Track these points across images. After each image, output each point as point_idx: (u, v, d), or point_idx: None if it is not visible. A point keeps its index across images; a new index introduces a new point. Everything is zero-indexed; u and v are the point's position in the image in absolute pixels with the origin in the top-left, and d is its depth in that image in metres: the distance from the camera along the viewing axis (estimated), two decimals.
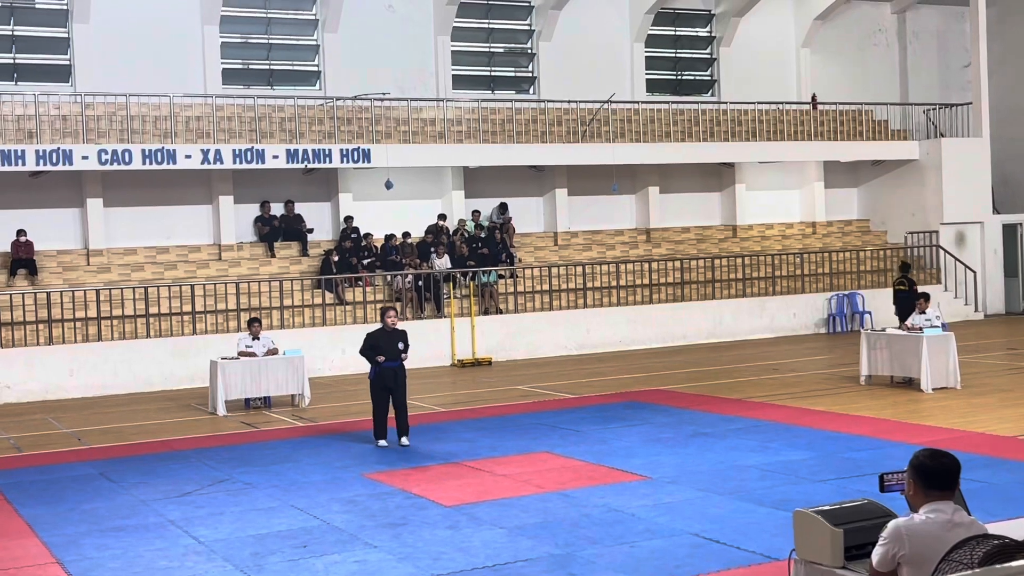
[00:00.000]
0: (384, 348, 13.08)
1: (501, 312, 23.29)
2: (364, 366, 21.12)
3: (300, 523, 9.62)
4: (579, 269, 24.50)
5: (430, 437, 13.73)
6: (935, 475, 4.84)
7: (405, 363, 13.30)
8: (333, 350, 21.15)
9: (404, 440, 13.19)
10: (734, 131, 27.11)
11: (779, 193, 29.25)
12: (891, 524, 4.84)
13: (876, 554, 4.82)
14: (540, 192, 26.63)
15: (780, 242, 28.37)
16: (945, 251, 27.69)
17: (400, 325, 13.84)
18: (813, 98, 29.04)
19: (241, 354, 16.83)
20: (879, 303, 26.04)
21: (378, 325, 13.59)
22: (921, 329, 16.34)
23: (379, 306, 22.27)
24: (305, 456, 12.84)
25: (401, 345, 13.14)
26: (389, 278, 23.06)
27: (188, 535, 9.36)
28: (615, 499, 9.99)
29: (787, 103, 28.21)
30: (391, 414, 13.28)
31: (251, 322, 17.28)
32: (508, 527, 9.18)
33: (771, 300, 25.68)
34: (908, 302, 20.11)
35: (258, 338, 17.03)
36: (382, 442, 13.21)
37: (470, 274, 23.30)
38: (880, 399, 15.48)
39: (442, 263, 23.17)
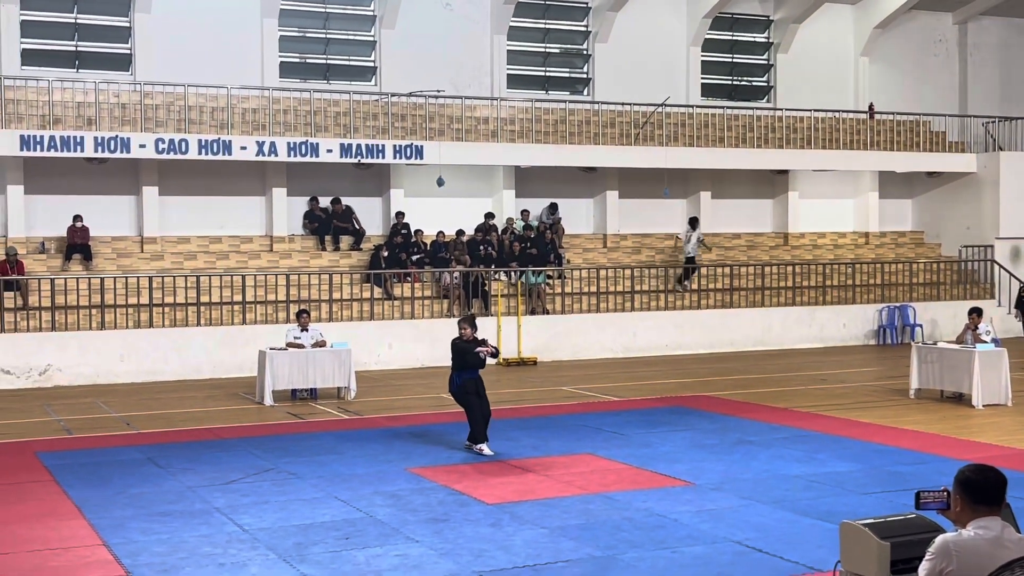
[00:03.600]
0: (468, 358, 12.55)
1: (548, 312, 23.29)
2: (409, 360, 21.35)
3: (343, 515, 9.69)
4: (628, 272, 24.44)
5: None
6: (982, 490, 4.77)
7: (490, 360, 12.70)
8: (380, 344, 21.26)
9: (487, 449, 12.42)
10: (789, 138, 26.92)
11: (832, 202, 29.01)
12: (939, 539, 4.78)
13: (923, 569, 4.77)
14: (591, 194, 26.60)
15: (832, 251, 28.12)
16: (1000, 266, 27.31)
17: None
18: (870, 107, 28.76)
19: (289, 345, 16.97)
20: (931, 316, 25.76)
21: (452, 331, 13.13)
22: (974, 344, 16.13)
23: (424, 303, 22.38)
24: (350, 448, 12.92)
25: (482, 353, 12.46)
26: (438, 275, 23.14)
27: (232, 523, 9.45)
28: (658, 504, 9.96)
29: (843, 111, 27.97)
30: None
31: (300, 314, 17.43)
32: (550, 527, 9.18)
33: (821, 310, 25.47)
34: None
35: (306, 330, 17.16)
36: (485, 449, 12.34)
37: (518, 273, 23.33)
38: (929, 413, 15.30)
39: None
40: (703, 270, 25.29)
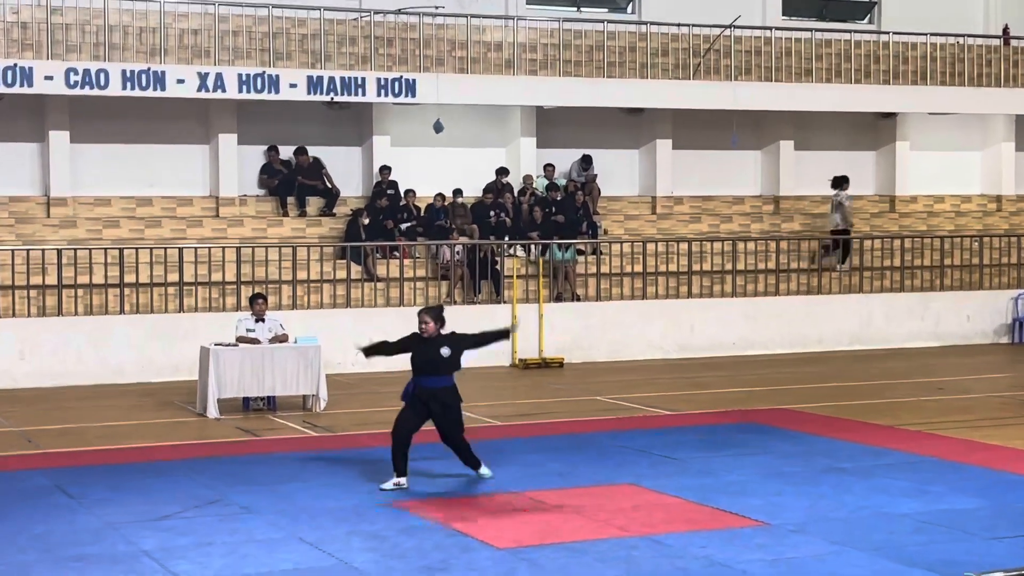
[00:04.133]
0: (419, 357, 12.43)
1: (579, 299, 23.28)
2: (397, 360, 21.27)
3: (310, 561, 9.73)
4: (683, 247, 24.40)
5: (482, 458, 13.78)
6: None
7: (455, 378, 12.46)
8: (359, 339, 21.21)
9: (483, 470, 12.66)
10: (897, 71, 26.80)
11: (954, 156, 28.90)
12: None
13: None
14: (636, 143, 26.55)
15: (952, 220, 28.03)
16: None
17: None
18: (1005, 31, 28.60)
19: (240, 340, 17.01)
20: None
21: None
22: None
23: (416, 285, 22.40)
24: (319, 475, 12.96)
25: (446, 352, 12.33)
26: (434, 249, 23.14)
27: (166, 571, 9.49)
28: (721, 550, 9.97)
29: (970, 36, 27.79)
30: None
31: (254, 299, 17.46)
32: None
33: (937, 297, 25.40)
34: None
35: (263, 320, 17.20)
36: (395, 483, 12.24)
37: (539, 247, 23.31)
38: None
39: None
40: (782, 244, 25.23)
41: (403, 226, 23.33)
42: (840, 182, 25.92)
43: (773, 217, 26.91)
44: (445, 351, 12.44)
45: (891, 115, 27.68)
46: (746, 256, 24.91)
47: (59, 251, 20.71)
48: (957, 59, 27.36)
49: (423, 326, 12.54)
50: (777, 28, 26.50)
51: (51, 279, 20.54)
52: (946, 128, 28.56)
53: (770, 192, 27.36)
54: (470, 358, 12.99)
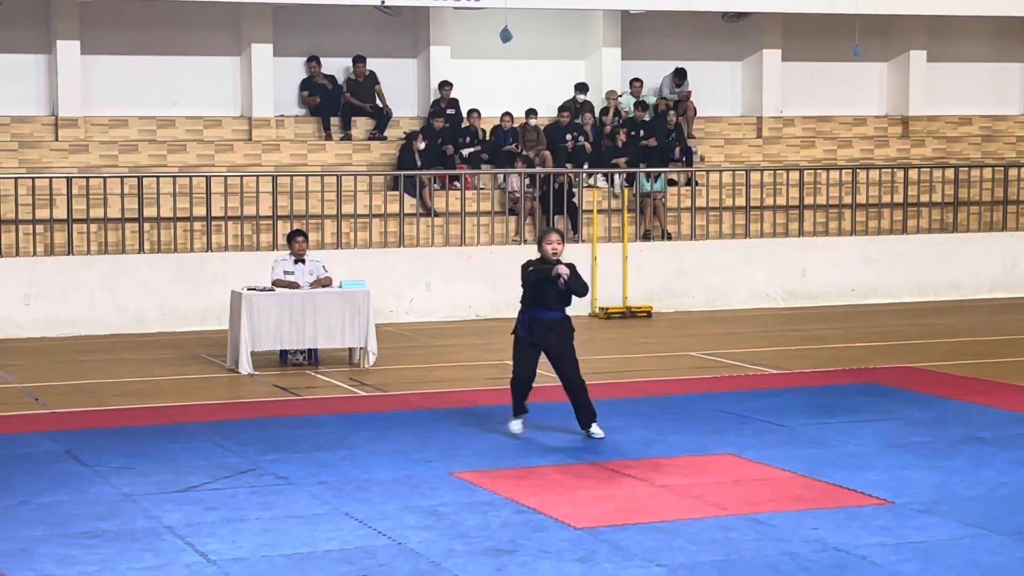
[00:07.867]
0: (535, 288, 12.86)
1: (670, 237, 23.19)
2: (458, 307, 21.42)
3: (357, 541, 9.78)
4: (794, 176, 24.24)
5: (556, 421, 13.78)
6: None
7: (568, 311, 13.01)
8: (414, 284, 21.33)
9: (594, 429, 13.05)
10: None
11: None
12: None
13: None
14: (738, 54, 26.35)
15: None
16: None
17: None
18: None
19: (277, 283, 17.10)
20: None
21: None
22: None
23: (480, 220, 22.37)
24: (367, 441, 13.02)
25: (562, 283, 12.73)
26: (502, 178, 23.10)
27: (192, 549, 9.58)
28: (836, 532, 9.95)
29: None
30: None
31: (293, 236, 17.53)
32: (670, 565, 9.22)
33: None
34: None
35: (303, 261, 17.28)
36: (514, 425, 13.23)
37: (624, 176, 23.22)
38: None
39: None
40: (911, 174, 24.99)
41: (465, 151, 23.30)
42: None
43: (901, 141, 26.64)
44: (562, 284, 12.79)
45: None
46: (868, 187, 24.69)
47: (69, 180, 20.85)
48: None
49: (548, 247, 12.88)
50: None
51: (60, 212, 20.70)
52: None
53: (898, 112, 27.06)
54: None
